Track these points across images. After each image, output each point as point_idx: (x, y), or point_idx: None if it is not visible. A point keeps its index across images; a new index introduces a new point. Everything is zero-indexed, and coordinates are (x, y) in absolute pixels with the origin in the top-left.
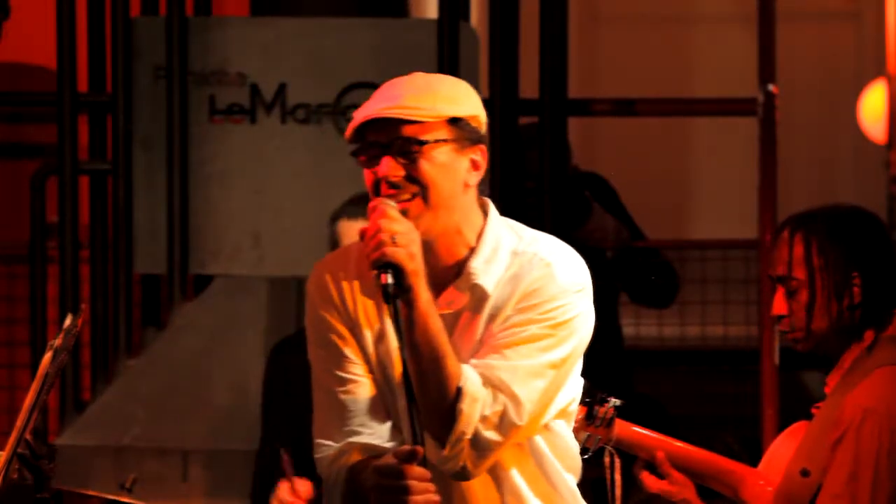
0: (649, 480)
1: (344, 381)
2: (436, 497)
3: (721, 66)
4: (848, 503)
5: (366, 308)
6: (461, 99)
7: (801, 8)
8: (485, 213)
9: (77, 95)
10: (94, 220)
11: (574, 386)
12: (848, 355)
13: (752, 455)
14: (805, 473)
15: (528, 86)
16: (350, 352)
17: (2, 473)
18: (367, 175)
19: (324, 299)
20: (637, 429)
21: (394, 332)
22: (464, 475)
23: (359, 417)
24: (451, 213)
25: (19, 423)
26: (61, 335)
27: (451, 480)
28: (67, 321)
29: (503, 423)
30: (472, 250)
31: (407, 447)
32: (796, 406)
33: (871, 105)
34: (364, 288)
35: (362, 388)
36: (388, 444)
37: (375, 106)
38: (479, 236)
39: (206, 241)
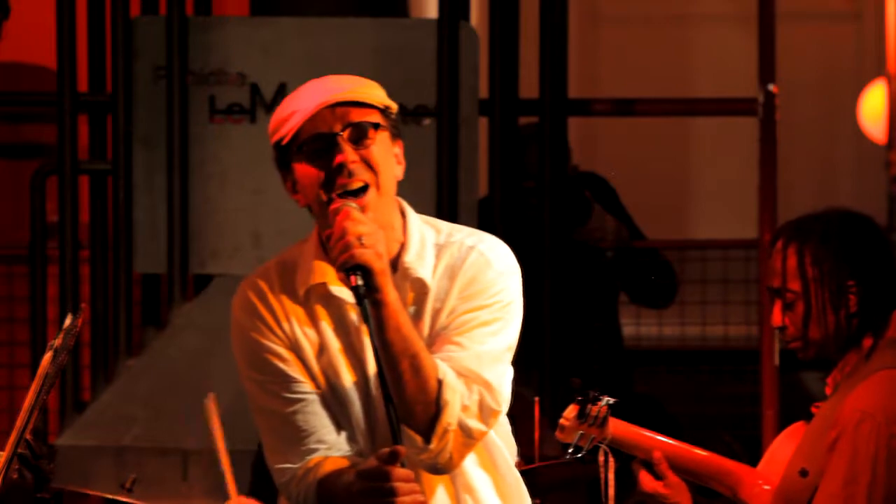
0: (645, 479)
1: (292, 402)
2: (421, 497)
3: (721, 66)
4: None
5: (301, 323)
6: (383, 91)
7: (801, 8)
8: (401, 209)
9: (77, 95)
10: (94, 220)
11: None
12: (848, 360)
13: (751, 455)
14: (804, 474)
15: (528, 86)
16: (292, 371)
17: (2, 473)
18: (309, 173)
19: (255, 322)
20: (635, 428)
21: (366, 333)
22: (448, 468)
23: (314, 435)
24: (391, 204)
25: (19, 423)
26: (61, 335)
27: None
28: (67, 321)
29: (483, 411)
30: (402, 246)
31: (388, 449)
32: (796, 406)
33: (871, 105)
34: (294, 303)
35: (311, 405)
36: (350, 455)
37: (320, 97)
38: (404, 232)
39: (206, 241)
